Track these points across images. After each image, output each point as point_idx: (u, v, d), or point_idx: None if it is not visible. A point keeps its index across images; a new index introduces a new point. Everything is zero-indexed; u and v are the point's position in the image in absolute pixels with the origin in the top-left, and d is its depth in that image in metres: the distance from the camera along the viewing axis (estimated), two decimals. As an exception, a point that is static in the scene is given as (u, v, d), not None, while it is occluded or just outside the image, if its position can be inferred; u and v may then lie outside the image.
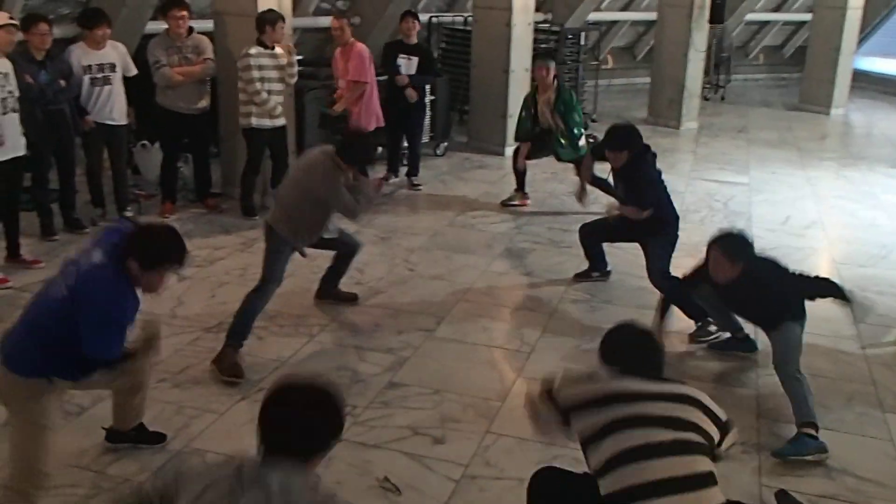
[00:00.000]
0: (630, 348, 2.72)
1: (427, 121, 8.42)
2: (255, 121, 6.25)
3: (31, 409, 2.93)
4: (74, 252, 3.10)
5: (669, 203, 5.00)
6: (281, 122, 6.39)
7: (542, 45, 9.62)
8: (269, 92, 6.21)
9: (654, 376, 2.64)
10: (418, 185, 7.65)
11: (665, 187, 5.01)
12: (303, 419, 2.12)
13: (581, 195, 6.21)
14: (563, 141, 6.67)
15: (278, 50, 6.19)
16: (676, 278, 4.61)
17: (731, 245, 3.90)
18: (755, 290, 3.89)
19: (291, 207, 4.38)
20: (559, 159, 6.90)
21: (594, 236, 5.43)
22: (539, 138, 6.83)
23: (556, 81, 6.71)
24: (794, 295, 3.97)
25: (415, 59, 7.24)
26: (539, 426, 2.83)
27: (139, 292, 2.98)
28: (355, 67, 6.61)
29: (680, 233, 4.99)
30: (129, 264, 2.90)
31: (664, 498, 2.38)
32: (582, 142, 6.72)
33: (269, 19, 6.12)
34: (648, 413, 2.49)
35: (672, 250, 4.90)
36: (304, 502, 2.02)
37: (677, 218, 5.00)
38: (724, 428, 2.61)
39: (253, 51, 6.10)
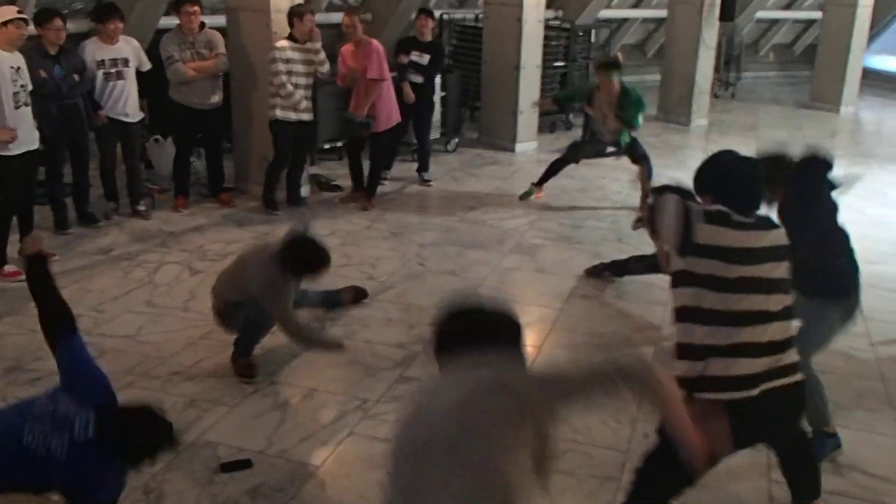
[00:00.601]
0: (747, 182, 2.75)
1: (437, 116, 8.46)
2: (279, 113, 6.28)
3: None
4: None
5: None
6: (307, 116, 6.42)
7: (554, 43, 9.62)
8: (296, 86, 6.24)
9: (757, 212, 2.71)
10: (429, 180, 7.66)
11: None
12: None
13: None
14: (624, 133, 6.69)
15: (308, 45, 6.22)
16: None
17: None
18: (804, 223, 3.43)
19: (235, 294, 4.09)
20: (620, 148, 6.83)
21: (649, 270, 5.20)
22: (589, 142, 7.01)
23: (623, 89, 6.58)
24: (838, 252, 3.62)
25: (427, 57, 7.26)
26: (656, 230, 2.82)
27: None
28: (375, 66, 6.51)
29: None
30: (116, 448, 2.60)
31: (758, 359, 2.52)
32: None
33: (297, 12, 6.18)
34: (765, 277, 2.57)
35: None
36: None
37: None
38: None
39: (281, 45, 6.16)
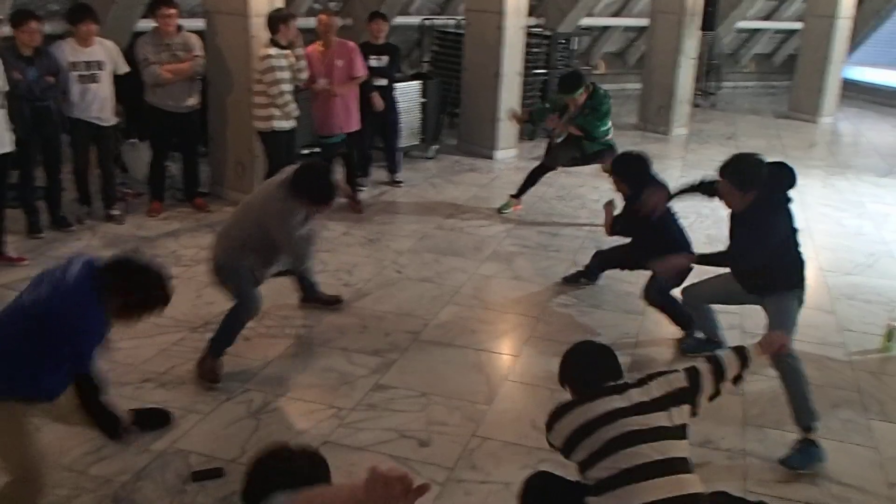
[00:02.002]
0: (590, 364, 2.89)
1: (417, 123, 8.45)
2: (276, 124, 6.17)
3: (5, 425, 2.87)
4: (54, 263, 3.00)
5: (681, 234, 4.90)
6: (294, 123, 6.35)
7: (534, 50, 9.63)
8: (287, 92, 6.17)
9: (616, 383, 2.80)
10: (399, 181, 7.68)
11: (675, 218, 4.94)
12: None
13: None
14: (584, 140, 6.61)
15: (288, 50, 6.15)
16: (670, 295, 4.63)
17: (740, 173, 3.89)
18: (755, 230, 3.86)
19: (238, 235, 4.13)
20: (585, 156, 6.72)
21: (609, 263, 5.37)
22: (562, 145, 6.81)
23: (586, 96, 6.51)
24: (788, 249, 3.92)
25: (385, 59, 7.24)
26: None
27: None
28: (359, 64, 6.63)
29: None
30: (111, 299, 2.81)
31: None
32: (608, 135, 6.65)
33: (283, 17, 6.07)
34: (630, 430, 2.62)
35: (677, 282, 4.64)
36: None
37: (688, 247, 4.79)
38: (696, 387, 2.79)
39: (273, 51, 6.02)
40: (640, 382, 2.77)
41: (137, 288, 2.86)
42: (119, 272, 2.86)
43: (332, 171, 4.80)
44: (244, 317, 4.17)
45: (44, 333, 2.75)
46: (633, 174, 5.00)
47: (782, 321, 3.80)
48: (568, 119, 6.57)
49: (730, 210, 4.05)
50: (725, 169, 3.94)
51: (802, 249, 4.00)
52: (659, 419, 2.65)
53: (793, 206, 4.00)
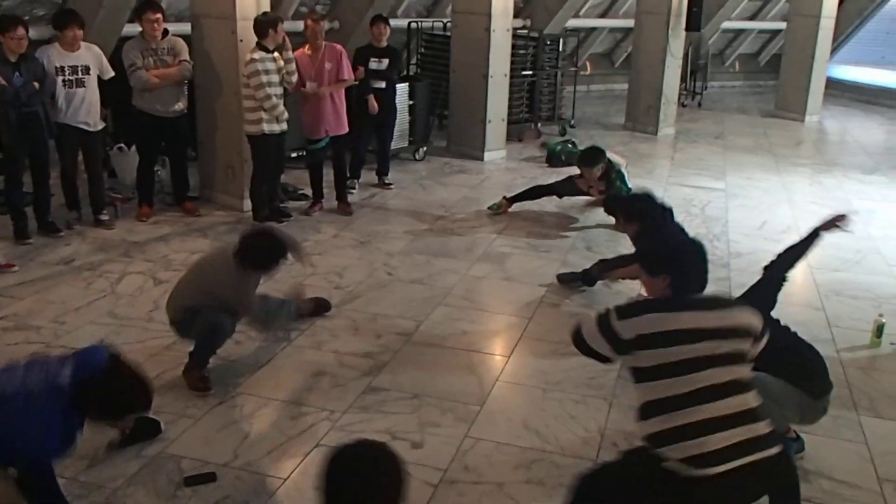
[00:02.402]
0: (698, 266, 2.75)
1: (406, 125, 8.46)
2: (266, 127, 6.14)
3: None
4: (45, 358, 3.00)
5: (681, 231, 4.85)
6: (285, 126, 6.32)
7: (522, 52, 9.65)
8: (276, 96, 6.14)
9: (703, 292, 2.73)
10: (389, 184, 7.70)
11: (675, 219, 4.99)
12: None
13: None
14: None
15: (277, 53, 6.14)
16: None
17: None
18: None
19: (197, 297, 4.06)
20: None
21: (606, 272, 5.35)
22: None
23: (604, 175, 6.74)
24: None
25: (385, 61, 7.25)
26: (586, 349, 2.75)
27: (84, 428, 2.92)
28: (346, 67, 6.65)
29: None
30: (90, 413, 2.83)
31: (723, 432, 2.46)
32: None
33: (272, 22, 6.06)
34: (711, 354, 2.53)
35: None
36: None
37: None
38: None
39: (258, 55, 6.01)
40: (733, 302, 2.79)
41: (120, 404, 2.87)
42: (104, 390, 2.83)
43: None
44: (217, 342, 4.11)
45: (16, 410, 2.73)
46: (640, 212, 4.82)
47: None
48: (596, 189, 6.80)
49: None
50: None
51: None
52: (740, 344, 2.60)
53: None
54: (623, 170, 7.04)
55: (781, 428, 3.37)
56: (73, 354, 3.00)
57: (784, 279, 3.77)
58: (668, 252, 2.89)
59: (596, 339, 2.66)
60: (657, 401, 2.53)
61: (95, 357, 2.96)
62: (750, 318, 2.68)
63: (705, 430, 2.45)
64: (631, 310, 2.65)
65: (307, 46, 6.58)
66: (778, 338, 3.28)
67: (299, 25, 8.54)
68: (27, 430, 2.75)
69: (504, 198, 7.08)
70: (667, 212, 4.97)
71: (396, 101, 7.71)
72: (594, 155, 6.85)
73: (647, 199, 4.97)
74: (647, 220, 4.75)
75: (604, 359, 2.73)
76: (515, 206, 7.06)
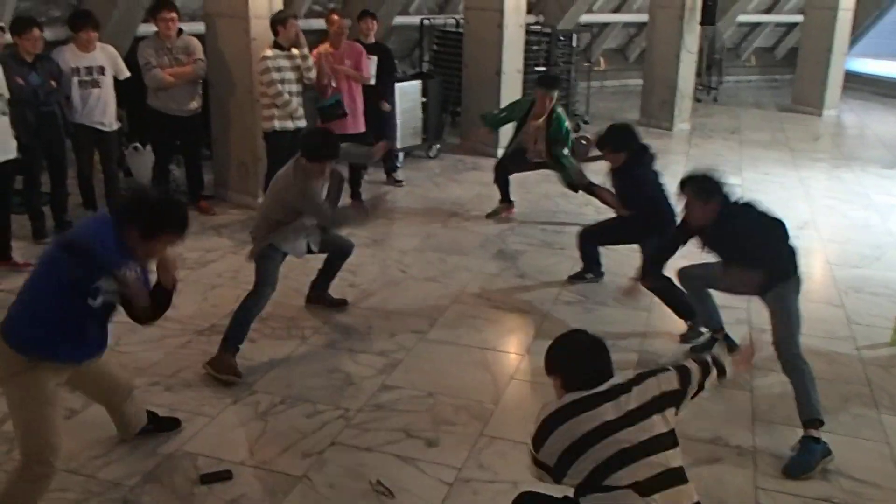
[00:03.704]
0: (583, 358, 2.67)
1: (419, 123, 8.44)
2: (277, 124, 6.18)
3: (25, 384, 2.90)
4: None
5: (667, 203, 4.83)
6: (302, 123, 6.32)
7: (535, 48, 9.62)
8: (290, 93, 6.15)
9: (606, 387, 2.59)
10: (400, 180, 7.69)
11: (662, 187, 4.96)
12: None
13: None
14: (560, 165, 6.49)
15: (294, 51, 6.15)
16: (668, 278, 4.58)
17: (700, 185, 3.90)
18: (737, 237, 3.81)
19: (268, 216, 4.37)
20: (567, 182, 6.59)
21: (593, 240, 5.40)
22: (517, 154, 6.68)
23: (552, 111, 6.41)
24: (777, 240, 3.84)
25: (374, 58, 7.21)
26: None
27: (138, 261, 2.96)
28: (365, 66, 6.69)
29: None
30: (129, 232, 2.88)
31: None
32: (571, 160, 6.50)
33: (280, 19, 6.08)
34: (624, 448, 2.46)
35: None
36: None
37: (674, 218, 4.82)
38: (685, 390, 2.67)
39: (270, 53, 6.06)
40: (630, 385, 2.59)
41: (152, 213, 2.91)
42: (132, 203, 2.95)
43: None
44: (255, 307, 4.24)
45: (65, 267, 2.82)
46: (626, 140, 4.99)
47: (785, 321, 3.76)
48: (537, 130, 6.42)
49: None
50: (685, 184, 3.97)
51: (792, 239, 3.93)
52: (653, 426, 2.52)
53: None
54: (563, 115, 6.62)
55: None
56: None
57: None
58: (561, 351, 2.75)
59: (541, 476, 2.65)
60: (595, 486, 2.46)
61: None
62: (658, 385, 2.61)
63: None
64: (539, 438, 2.58)
65: (328, 43, 6.58)
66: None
67: (312, 24, 8.59)
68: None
69: (499, 201, 6.88)
70: (648, 152, 5.04)
71: (402, 98, 7.66)
72: (555, 79, 6.72)
73: (632, 131, 5.10)
74: (633, 151, 4.93)
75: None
76: (522, 202, 6.92)
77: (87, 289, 2.86)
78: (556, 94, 6.44)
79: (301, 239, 4.48)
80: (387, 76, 7.38)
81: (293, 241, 4.42)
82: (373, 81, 7.18)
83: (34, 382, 2.90)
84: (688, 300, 4.57)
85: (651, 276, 4.50)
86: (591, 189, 6.02)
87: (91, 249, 2.84)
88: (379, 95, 7.29)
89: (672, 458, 2.52)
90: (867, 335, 4.85)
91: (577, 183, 6.29)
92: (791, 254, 3.88)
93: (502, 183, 6.83)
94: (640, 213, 4.96)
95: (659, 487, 2.45)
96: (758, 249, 3.79)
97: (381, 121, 7.45)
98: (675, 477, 2.50)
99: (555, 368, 2.72)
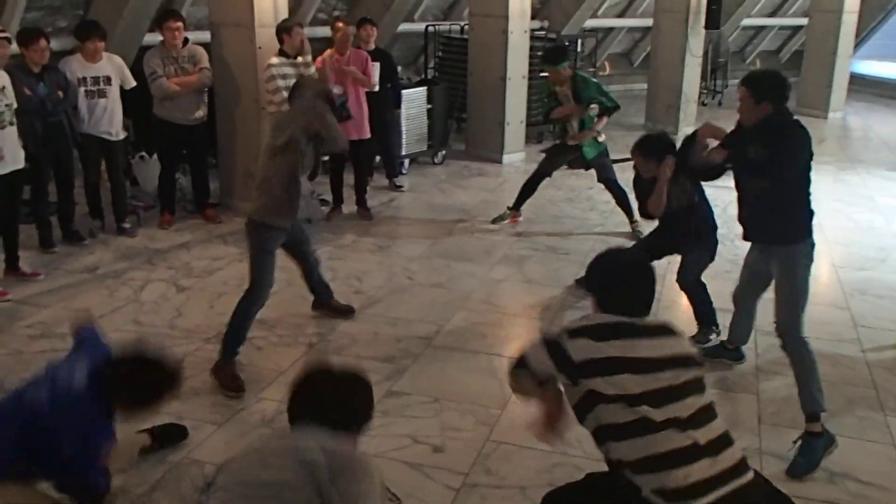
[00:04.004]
0: (636, 285, 2.57)
1: (424, 129, 8.47)
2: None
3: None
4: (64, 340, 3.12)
5: (710, 212, 4.77)
6: None
7: (539, 53, 9.61)
8: None
9: (652, 323, 2.56)
10: (400, 186, 7.73)
11: (705, 196, 4.84)
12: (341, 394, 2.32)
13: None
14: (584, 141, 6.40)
15: (299, 58, 6.19)
16: (703, 283, 4.61)
17: (757, 83, 4.00)
18: (776, 147, 3.71)
19: (264, 177, 4.23)
20: (587, 162, 6.54)
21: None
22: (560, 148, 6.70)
23: (574, 76, 6.38)
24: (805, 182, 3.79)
25: (376, 64, 7.25)
26: (524, 384, 2.62)
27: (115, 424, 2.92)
28: (370, 72, 6.71)
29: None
30: (119, 404, 2.83)
31: (697, 463, 2.31)
32: (601, 136, 6.44)
33: (285, 28, 6.12)
34: (663, 386, 2.37)
35: (709, 260, 4.70)
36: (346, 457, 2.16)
37: (716, 227, 4.78)
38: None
39: (275, 61, 6.09)
40: (667, 330, 2.53)
41: (149, 388, 2.83)
42: (129, 375, 2.81)
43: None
44: (254, 305, 4.21)
45: (50, 428, 2.74)
46: (663, 149, 4.74)
47: (790, 296, 3.72)
48: (567, 100, 6.36)
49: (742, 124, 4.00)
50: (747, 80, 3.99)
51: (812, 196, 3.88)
52: (696, 372, 2.46)
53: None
54: (590, 78, 6.60)
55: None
56: (76, 350, 2.99)
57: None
58: (600, 268, 2.67)
59: (539, 357, 2.48)
60: (625, 425, 2.34)
61: (100, 348, 2.99)
62: (691, 347, 2.56)
63: (682, 461, 2.30)
64: (583, 331, 2.47)
65: (333, 50, 6.62)
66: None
67: (318, 32, 8.64)
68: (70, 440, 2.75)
69: (507, 208, 6.87)
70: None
71: (407, 105, 7.69)
72: (558, 51, 6.52)
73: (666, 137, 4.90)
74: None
75: (538, 384, 2.53)
76: (526, 208, 6.86)
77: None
78: (564, 65, 6.32)
79: (310, 200, 4.46)
80: (390, 81, 7.43)
81: (290, 208, 4.26)
82: (376, 88, 7.22)
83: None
84: (712, 307, 4.59)
85: (688, 273, 4.58)
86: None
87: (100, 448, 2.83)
88: (383, 101, 7.34)
89: (703, 399, 2.42)
90: (872, 337, 4.84)
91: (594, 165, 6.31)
92: (810, 214, 3.83)
93: (531, 189, 6.73)
94: (680, 220, 4.71)
95: (696, 425, 2.34)
96: (790, 169, 3.69)
97: (384, 127, 7.49)
98: (710, 414, 2.40)
99: (591, 286, 2.66)
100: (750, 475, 2.39)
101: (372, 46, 7.29)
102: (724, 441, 2.40)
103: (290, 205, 4.24)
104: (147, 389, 2.83)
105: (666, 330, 2.56)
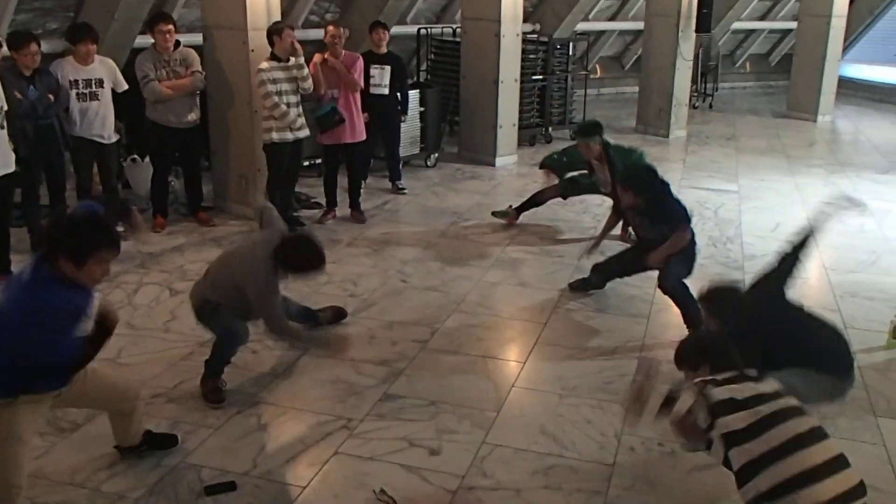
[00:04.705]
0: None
1: (417, 132, 8.49)
2: (276, 135, 6.18)
3: None
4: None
5: (687, 219, 4.86)
6: (303, 133, 6.33)
7: (532, 56, 9.67)
8: (288, 104, 6.15)
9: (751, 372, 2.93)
10: (403, 188, 7.75)
11: (681, 202, 4.95)
12: None
13: (592, 250, 5.75)
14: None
15: (291, 61, 6.18)
16: (685, 285, 4.65)
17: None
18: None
19: (219, 291, 4.07)
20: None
21: (609, 273, 5.38)
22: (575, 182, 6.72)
23: (606, 151, 6.17)
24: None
25: (387, 69, 7.26)
26: (688, 437, 2.94)
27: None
28: (359, 75, 6.69)
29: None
30: (62, 265, 2.80)
31: (825, 481, 2.60)
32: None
33: (275, 30, 6.10)
34: (782, 408, 2.74)
35: (687, 273, 4.82)
36: None
37: (693, 234, 4.90)
38: None
39: (265, 65, 6.07)
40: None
41: (74, 238, 2.83)
42: (56, 236, 2.88)
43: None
44: (231, 349, 4.13)
45: (14, 326, 2.79)
46: (648, 186, 4.92)
47: None
48: (605, 181, 6.26)
49: None
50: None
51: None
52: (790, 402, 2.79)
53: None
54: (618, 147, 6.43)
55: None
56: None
57: (797, 258, 3.87)
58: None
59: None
60: (755, 460, 2.65)
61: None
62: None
63: (810, 480, 2.58)
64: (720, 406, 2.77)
65: (327, 53, 6.62)
66: (794, 326, 3.50)
67: (310, 34, 8.64)
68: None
69: (510, 207, 6.93)
70: (665, 185, 5.06)
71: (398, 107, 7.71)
72: (587, 127, 6.37)
73: (652, 172, 5.10)
74: (651, 193, 4.89)
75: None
76: (524, 216, 6.89)
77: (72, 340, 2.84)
78: (597, 139, 6.12)
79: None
80: (401, 86, 7.46)
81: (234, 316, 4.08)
82: (386, 91, 7.24)
83: (5, 420, 2.88)
84: (699, 308, 4.64)
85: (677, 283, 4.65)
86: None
87: (57, 314, 2.79)
88: (391, 105, 7.37)
89: (832, 447, 2.72)
90: (863, 339, 4.88)
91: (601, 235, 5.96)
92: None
93: (539, 202, 6.82)
94: (661, 237, 4.85)
95: (810, 443, 2.66)
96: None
97: (390, 131, 7.50)
98: (842, 462, 2.69)
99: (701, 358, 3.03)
100: (866, 498, 2.70)
101: (384, 50, 7.31)
102: (842, 461, 2.70)
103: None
104: (78, 245, 2.83)
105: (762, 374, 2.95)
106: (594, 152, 6.16)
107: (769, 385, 2.83)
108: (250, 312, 4.04)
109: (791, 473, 2.59)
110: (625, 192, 4.99)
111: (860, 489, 2.65)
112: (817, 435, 2.71)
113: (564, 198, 6.93)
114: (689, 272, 4.86)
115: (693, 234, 4.91)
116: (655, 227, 4.92)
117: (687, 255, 4.86)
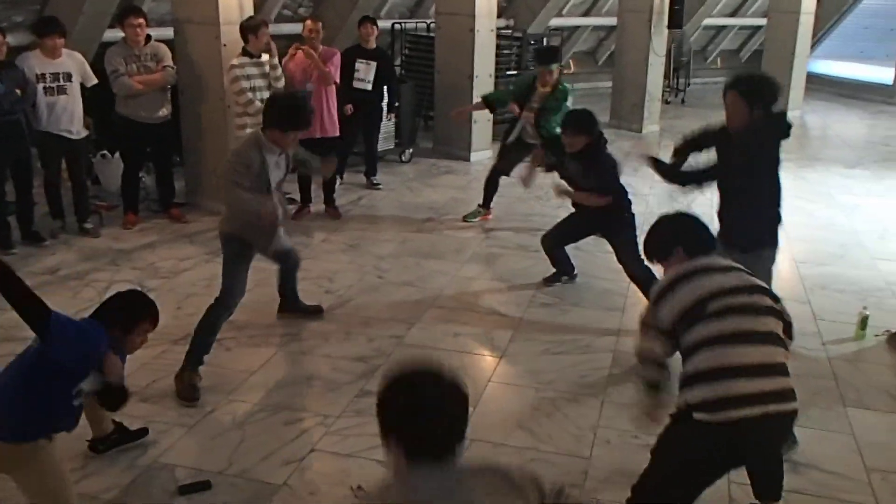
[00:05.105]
0: (694, 231, 3.00)
1: (392, 128, 8.47)
2: (250, 131, 6.14)
3: (37, 471, 2.85)
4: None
5: (622, 187, 5.17)
6: None
7: (506, 52, 9.68)
8: (262, 100, 6.08)
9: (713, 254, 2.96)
10: (377, 183, 7.74)
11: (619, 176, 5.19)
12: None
13: (528, 179, 5.81)
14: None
15: (264, 57, 6.12)
16: (650, 269, 4.70)
17: (747, 85, 4.23)
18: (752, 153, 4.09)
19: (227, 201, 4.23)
20: (547, 137, 6.31)
21: (557, 241, 5.47)
22: (513, 148, 6.62)
23: (558, 83, 6.33)
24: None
25: (373, 64, 7.24)
26: (651, 356, 2.94)
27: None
28: (336, 66, 6.65)
29: (642, 235, 5.03)
30: (112, 332, 2.91)
31: (757, 380, 2.63)
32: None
33: (251, 27, 6.04)
34: (737, 304, 2.74)
35: (636, 233, 4.93)
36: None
37: (629, 201, 5.18)
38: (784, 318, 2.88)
39: (237, 62, 6.01)
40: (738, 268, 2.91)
41: (125, 307, 3.04)
42: (110, 306, 3.03)
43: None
44: (222, 312, 4.15)
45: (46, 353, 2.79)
46: (591, 125, 5.15)
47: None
48: (530, 107, 6.32)
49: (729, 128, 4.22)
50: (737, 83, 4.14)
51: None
52: (764, 300, 2.79)
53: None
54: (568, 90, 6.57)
55: None
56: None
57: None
58: (670, 228, 3.06)
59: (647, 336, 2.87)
60: (694, 345, 2.69)
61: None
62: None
63: (745, 374, 2.61)
64: (662, 292, 2.84)
65: (307, 47, 6.57)
66: None
67: (283, 28, 8.58)
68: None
69: (478, 206, 6.89)
70: (604, 139, 5.31)
71: (384, 104, 7.71)
72: (552, 51, 6.57)
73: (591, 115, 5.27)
74: (596, 134, 5.14)
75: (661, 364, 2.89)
76: (496, 206, 6.87)
77: (73, 389, 2.85)
78: (555, 66, 6.32)
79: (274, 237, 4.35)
80: (388, 82, 7.45)
81: (260, 232, 4.22)
82: (369, 87, 7.22)
83: (46, 458, 2.86)
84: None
85: (638, 263, 4.70)
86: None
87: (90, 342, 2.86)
88: (374, 100, 7.35)
89: (773, 325, 2.76)
90: (833, 331, 4.96)
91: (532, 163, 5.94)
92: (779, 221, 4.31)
93: (493, 186, 6.78)
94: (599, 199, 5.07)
95: (757, 342, 2.69)
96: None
97: (371, 126, 7.49)
98: (773, 339, 2.73)
99: (675, 242, 2.97)
100: (795, 405, 2.70)
101: (373, 45, 7.28)
102: (781, 369, 2.71)
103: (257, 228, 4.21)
104: (130, 310, 3.04)
105: (733, 267, 2.97)
106: (552, 80, 6.33)
107: (737, 277, 2.84)
108: (256, 233, 4.16)
109: (729, 363, 2.62)
110: (572, 133, 5.10)
111: (790, 394, 2.69)
112: (769, 338, 2.72)
113: (507, 172, 6.69)
114: (633, 228, 5.02)
115: (629, 202, 5.18)
116: (587, 176, 5.09)
117: (629, 223, 5.09)
